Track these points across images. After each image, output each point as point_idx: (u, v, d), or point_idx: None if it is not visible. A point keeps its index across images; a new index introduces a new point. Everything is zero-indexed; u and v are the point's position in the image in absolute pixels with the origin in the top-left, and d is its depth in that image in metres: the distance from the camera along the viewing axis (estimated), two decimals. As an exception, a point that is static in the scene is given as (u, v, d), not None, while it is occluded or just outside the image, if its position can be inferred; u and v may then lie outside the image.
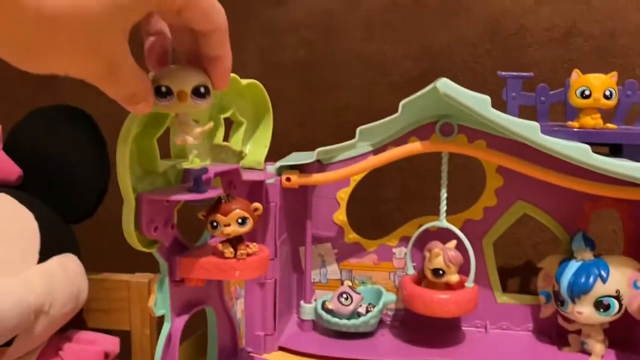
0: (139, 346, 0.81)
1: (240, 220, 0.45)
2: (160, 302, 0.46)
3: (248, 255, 0.46)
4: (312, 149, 0.64)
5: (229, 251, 0.46)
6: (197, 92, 0.34)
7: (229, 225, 0.45)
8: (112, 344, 0.76)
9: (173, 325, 0.47)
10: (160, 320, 0.47)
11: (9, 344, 0.62)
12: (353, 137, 0.63)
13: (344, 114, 0.89)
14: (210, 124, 0.41)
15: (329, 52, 0.89)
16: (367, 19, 0.88)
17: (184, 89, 0.34)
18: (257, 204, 0.46)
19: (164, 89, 0.34)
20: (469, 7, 0.84)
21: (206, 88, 0.35)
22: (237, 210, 0.45)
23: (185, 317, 0.48)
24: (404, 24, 0.86)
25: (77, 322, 0.78)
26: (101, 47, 0.27)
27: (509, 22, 0.82)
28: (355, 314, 0.64)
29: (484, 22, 0.83)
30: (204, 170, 0.44)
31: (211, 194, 0.43)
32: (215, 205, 0.45)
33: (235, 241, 0.46)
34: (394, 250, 0.68)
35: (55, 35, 0.24)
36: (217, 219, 0.45)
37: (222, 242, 0.46)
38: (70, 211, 0.73)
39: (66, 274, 0.70)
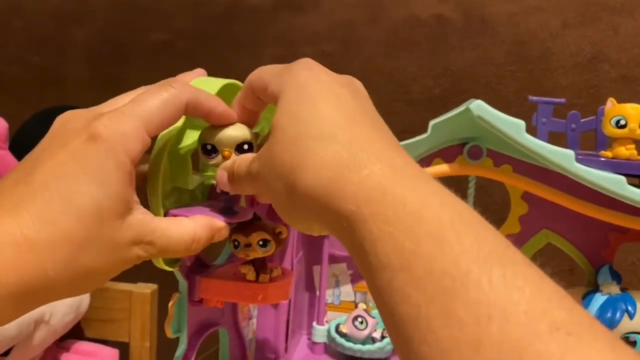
0: (137, 359, 0.78)
1: (261, 243, 0.42)
2: (177, 322, 0.44)
3: (271, 279, 0.44)
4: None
5: (251, 274, 0.43)
6: (240, 149, 0.36)
7: (249, 245, 0.42)
8: (111, 356, 0.73)
9: (188, 348, 0.44)
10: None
11: (5, 354, 0.59)
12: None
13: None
14: None
15: (347, 66, 0.87)
16: (388, 33, 0.86)
17: (228, 149, 0.36)
18: (281, 227, 0.43)
19: (209, 147, 0.36)
20: (494, 27, 0.82)
21: (249, 145, 0.37)
22: (259, 232, 0.42)
23: (199, 339, 0.46)
24: (427, 40, 0.84)
25: (76, 331, 0.75)
26: None
27: (535, 45, 0.81)
28: (370, 339, 0.62)
29: (509, 43, 0.82)
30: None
31: (244, 216, 0.40)
32: (239, 225, 0.43)
33: (258, 263, 0.44)
34: (411, 274, 0.66)
35: None
36: (238, 239, 0.42)
37: (243, 263, 0.44)
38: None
39: (68, 282, 0.67)
